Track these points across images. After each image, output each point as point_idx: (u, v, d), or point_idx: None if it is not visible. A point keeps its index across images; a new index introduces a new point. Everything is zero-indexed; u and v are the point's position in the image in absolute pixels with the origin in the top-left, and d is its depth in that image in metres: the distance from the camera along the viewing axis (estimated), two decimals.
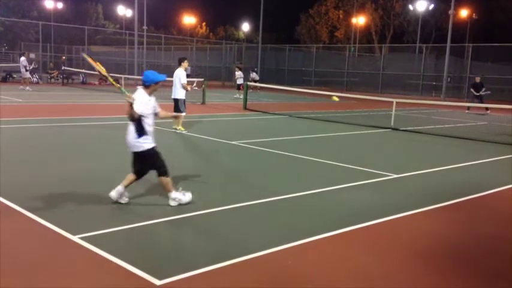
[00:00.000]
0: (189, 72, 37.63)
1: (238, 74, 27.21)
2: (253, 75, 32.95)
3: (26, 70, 24.24)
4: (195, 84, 13.93)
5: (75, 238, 4.52)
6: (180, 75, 11.72)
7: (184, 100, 11.92)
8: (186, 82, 11.84)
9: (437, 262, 4.48)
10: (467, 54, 34.50)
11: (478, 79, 22.56)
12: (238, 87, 26.45)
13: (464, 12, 51.15)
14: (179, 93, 11.81)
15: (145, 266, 3.98)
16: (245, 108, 18.84)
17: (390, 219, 5.59)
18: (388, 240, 4.98)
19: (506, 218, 6.05)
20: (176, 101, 11.86)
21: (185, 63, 11.73)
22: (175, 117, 11.11)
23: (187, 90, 11.97)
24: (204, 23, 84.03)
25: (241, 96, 24.65)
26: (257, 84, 26.42)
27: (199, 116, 15.65)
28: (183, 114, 11.82)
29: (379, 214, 5.71)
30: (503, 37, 39.61)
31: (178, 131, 11.72)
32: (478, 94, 22.16)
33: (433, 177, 8.11)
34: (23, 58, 24.47)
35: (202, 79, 23.08)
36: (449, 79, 33.74)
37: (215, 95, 25.93)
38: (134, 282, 3.75)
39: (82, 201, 5.71)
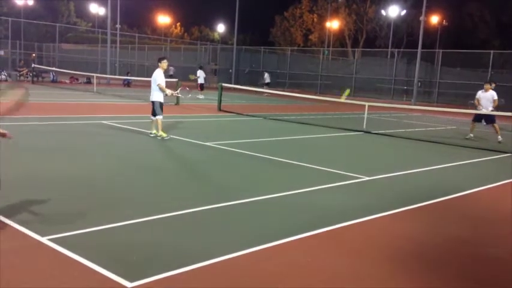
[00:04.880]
0: (171, 73, 37.35)
1: (199, 72, 26.92)
2: (265, 76, 33.34)
3: None
4: (179, 90, 12.80)
5: (44, 240, 4.42)
6: (156, 76, 10.76)
7: (160, 103, 10.89)
8: (162, 84, 10.79)
9: (408, 264, 4.57)
10: (437, 59, 35.32)
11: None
12: (200, 86, 26.71)
13: (434, 19, 52.39)
14: (155, 95, 10.86)
15: (115, 268, 3.91)
16: (219, 109, 18.78)
17: (362, 221, 5.66)
18: (360, 242, 5.04)
19: (474, 221, 6.21)
20: (152, 103, 10.95)
21: (163, 63, 10.85)
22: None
23: (166, 95, 11.07)
24: (178, 23, 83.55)
25: (202, 97, 24.77)
26: (267, 90, 26.36)
27: (173, 116, 15.51)
28: (160, 117, 10.84)
29: (351, 216, 5.77)
30: (472, 43, 40.74)
31: (159, 137, 10.77)
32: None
33: (404, 180, 8.26)
34: None
35: (176, 79, 22.86)
36: (419, 84, 34.45)
37: (189, 96, 25.72)
38: (104, 284, 3.69)
39: (51, 202, 5.58)
